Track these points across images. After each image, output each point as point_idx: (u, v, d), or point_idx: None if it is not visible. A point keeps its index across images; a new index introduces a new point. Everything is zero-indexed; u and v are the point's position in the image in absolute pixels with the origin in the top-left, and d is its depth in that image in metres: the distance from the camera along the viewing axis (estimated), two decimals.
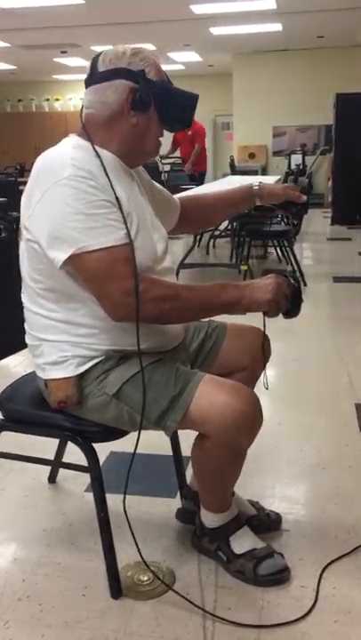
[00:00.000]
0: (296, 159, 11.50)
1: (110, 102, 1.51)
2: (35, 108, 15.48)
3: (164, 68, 1.59)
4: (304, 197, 1.82)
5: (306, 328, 4.06)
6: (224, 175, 10.37)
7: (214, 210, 1.92)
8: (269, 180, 7.45)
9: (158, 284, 1.47)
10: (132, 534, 1.59)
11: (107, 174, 1.46)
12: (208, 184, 7.42)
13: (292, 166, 11.27)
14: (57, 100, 15.42)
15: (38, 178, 1.46)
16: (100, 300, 1.45)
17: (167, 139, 8.59)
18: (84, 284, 1.47)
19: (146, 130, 1.54)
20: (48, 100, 15.43)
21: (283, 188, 1.84)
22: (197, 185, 7.69)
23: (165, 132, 1.60)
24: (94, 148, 1.49)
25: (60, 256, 1.42)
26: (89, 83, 1.53)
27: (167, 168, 10.30)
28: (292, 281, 1.53)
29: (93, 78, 1.52)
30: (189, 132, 8.70)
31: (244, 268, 5.42)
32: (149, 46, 10.26)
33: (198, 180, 8.70)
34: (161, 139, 1.60)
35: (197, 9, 8.23)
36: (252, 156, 12.19)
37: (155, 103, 1.52)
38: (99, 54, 1.53)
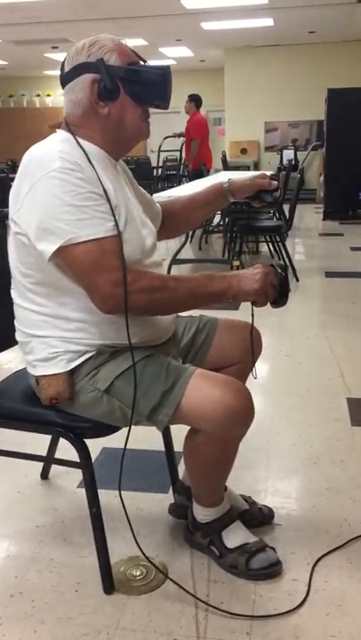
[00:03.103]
0: (288, 155, 11.53)
1: (79, 99, 1.51)
2: (26, 104, 15.43)
3: (156, 63, 1.57)
4: (275, 183, 1.78)
5: (298, 323, 4.08)
6: (216, 171, 10.36)
7: (189, 213, 1.88)
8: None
9: (146, 276, 1.47)
10: (130, 526, 1.60)
11: (93, 167, 1.46)
12: (198, 180, 7.41)
13: (285, 162, 11.30)
14: (48, 95, 15.36)
15: (27, 171, 1.46)
16: (88, 292, 1.45)
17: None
18: (73, 277, 1.47)
19: (121, 116, 1.52)
20: (39, 95, 15.37)
21: (252, 179, 1.79)
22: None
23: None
24: (77, 141, 1.49)
25: (49, 248, 1.42)
26: (62, 85, 1.54)
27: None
28: (280, 270, 1.53)
29: (63, 80, 1.53)
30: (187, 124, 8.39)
31: (236, 263, 5.43)
32: (140, 41, 10.24)
33: (192, 177, 8.22)
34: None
35: (189, 4, 8.21)
36: (244, 151, 12.20)
37: (123, 87, 1.50)
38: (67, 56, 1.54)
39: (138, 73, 1.51)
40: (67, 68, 1.52)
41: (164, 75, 1.52)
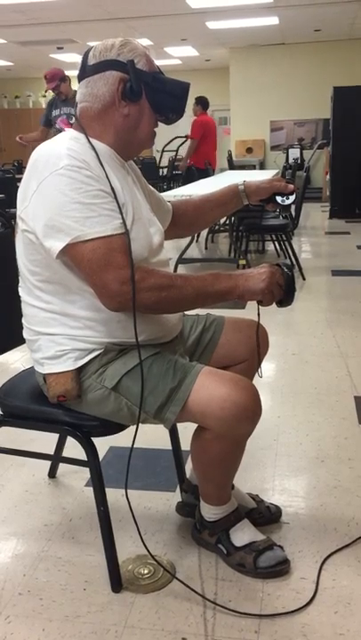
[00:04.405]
0: (294, 153, 11.47)
1: (102, 94, 1.52)
2: (32, 105, 15.45)
3: (161, 62, 1.59)
4: (291, 186, 1.78)
5: (305, 321, 4.07)
6: (222, 170, 10.36)
7: (202, 212, 1.89)
8: (267, 174, 7.44)
9: (154, 274, 1.47)
10: (136, 524, 1.60)
11: (101, 164, 1.46)
12: (204, 179, 7.40)
13: (290, 160, 11.27)
14: None
15: (35, 169, 1.46)
16: (96, 289, 1.46)
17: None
18: (81, 274, 1.47)
19: (138, 120, 1.55)
20: (45, 96, 15.39)
21: (268, 182, 1.80)
22: (184, 182, 7.45)
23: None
24: (88, 140, 1.50)
25: (57, 245, 1.42)
26: (81, 77, 1.55)
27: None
28: (286, 270, 1.53)
29: (85, 72, 1.54)
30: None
31: (242, 262, 5.43)
32: (146, 41, 10.24)
33: (188, 176, 8.15)
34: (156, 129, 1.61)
35: (194, 3, 8.21)
36: (249, 150, 12.18)
37: (146, 93, 1.52)
38: (89, 49, 1.55)
39: (163, 82, 1.54)
40: (92, 62, 1.52)
41: (183, 90, 1.56)
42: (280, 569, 1.69)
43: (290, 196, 1.79)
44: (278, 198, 1.79)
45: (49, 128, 6.15)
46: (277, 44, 11.37)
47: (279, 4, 8.42)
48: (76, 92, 5.23)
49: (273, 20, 9.46)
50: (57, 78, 5.87)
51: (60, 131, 5.65)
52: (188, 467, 1.95)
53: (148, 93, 1.53)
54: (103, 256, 1.41)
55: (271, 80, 11.68)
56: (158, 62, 1.59)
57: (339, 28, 10.11)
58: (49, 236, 1.43)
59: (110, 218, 1.43)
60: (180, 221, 1.87)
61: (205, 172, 7.71)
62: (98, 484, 1.63)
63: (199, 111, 8.45)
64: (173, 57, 12.42)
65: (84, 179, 1.42)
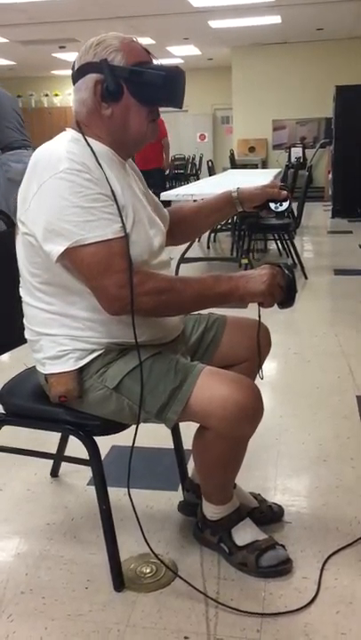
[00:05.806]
0: (296, 152, 11.49)
1: (85, 99, 1.51)
2: (34, 104, 15.46)
3: (163, 62, 1.55)
4: (285, 193, 1.77)
5: (307, 321, 4.07)
6: (224, 169, 10.35)
7: (200, 217, 1.87)
8: (269, 173, 7.43)
9: (153, 277, 1.47)
10: (139, 523, 1.60)
11: (101, 167, 1.46)
12: (206, 179, 7.40)
13: (293, 159, 11.27)
14: (56, 95, 15.40)
15: (35, 171, 1.46)
16: (95, 293, 1.46)
17: None
18: (80, 278, 1.47)
19: (125, 118, 1.51)
20: (47, 95, 15.42)
21: (262, 188, 1.78)
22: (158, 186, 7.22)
23: None
24: (86, 141, 1.49)
25: (56, 249, 1.42)
26: (74, 84, 1.54)
27: None
28: (287, 271, 1.53)
29: (73, 79, 1.53)
30: None
31: (244, 261, 5.43)
32: (148, 40, 10.24)
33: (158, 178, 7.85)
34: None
35: (196, 2, 8.21)
36: (252, 149, 12.18)
37: (127, 88, 1.48)
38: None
39: (141, 74, 1.48)
40: (75, 67, 1.52)
41: (169, 76, 1.48)
42: (282, 568, 1.69)
43: (283, 203, 1.77)
44: (272, 205, 1.78)
45: None
46: (280, 42, 11.37)
47: (282, 3, 8.42)
48: None
49: (275, 19, 9.45)
50: None
51: None
52: (191, 466, 1.95)
53: (130, 88, 1.48)
54: (103, 260, 1.41)
55: (273, 79, 11.67)
56: (164, 62, 1.54)
57: (341, 26, 10.11)
58: (49, 240, 1.42)
59: (110, 221, 1.43)
60: (178, 228, 1.84)
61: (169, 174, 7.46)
62: (100, 482, 1.63)
63: None
64: (176, 56, 12.43)
65: (83, 182, 1.41)
